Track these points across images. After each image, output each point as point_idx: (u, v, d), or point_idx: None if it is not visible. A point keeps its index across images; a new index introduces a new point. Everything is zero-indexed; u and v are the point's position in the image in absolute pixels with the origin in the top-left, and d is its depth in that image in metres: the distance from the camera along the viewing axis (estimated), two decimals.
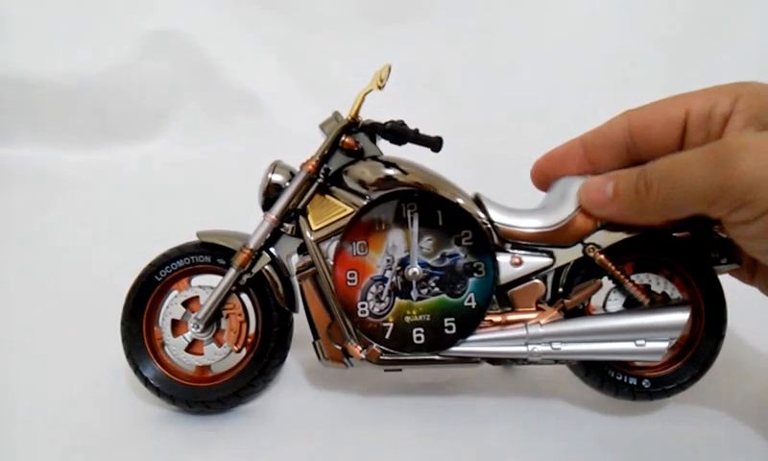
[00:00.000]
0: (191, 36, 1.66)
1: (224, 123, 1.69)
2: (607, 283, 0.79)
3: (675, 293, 0.78)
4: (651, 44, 1.60)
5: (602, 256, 0.76)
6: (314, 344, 0.81)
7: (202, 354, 0.82)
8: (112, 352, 0.83)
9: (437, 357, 0.78)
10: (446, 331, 0.79)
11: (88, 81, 1.65)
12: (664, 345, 0.74)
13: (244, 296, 0.84)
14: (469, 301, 0.79)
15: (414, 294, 0.80)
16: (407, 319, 0.80)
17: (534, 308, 0.78)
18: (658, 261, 0.78)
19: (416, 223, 0.80)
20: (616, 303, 0.78)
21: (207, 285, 0.83)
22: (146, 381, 0.81)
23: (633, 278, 0.77)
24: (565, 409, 0.82)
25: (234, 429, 0.80)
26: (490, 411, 0.82)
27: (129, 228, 1.35)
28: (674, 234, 0.77)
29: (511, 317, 0.78)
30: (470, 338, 0.78)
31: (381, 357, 0.79)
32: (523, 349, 0.76)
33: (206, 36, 1.67)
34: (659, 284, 0.78)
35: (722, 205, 0.63)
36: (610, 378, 0.78)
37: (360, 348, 0.79)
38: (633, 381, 0.78)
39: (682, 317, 0.74)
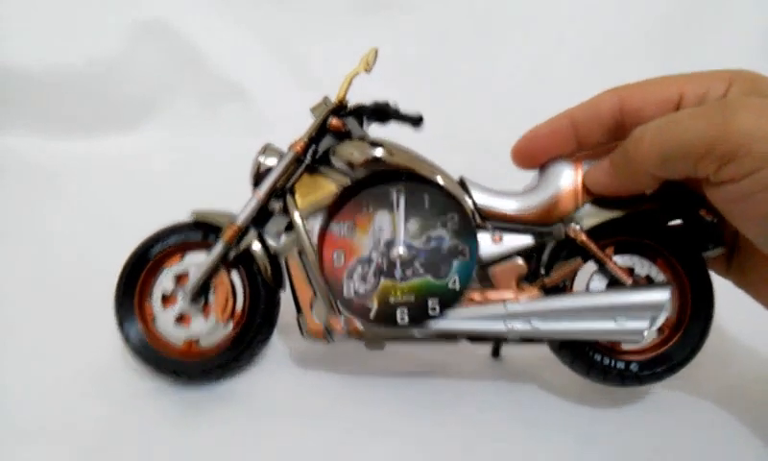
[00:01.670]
0: (179, 25, 1.68)
1: (213, 112, 1.70)
2: (591, 267, 0.79)
3: (659, 276, 0.77)
4: (642, 28, 1.59)
5: (584, 237, 0.76)
6: (297, 319, 0.83)
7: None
8: (103, 339, 0.84)
9: (416, 334, 0.79)
10: (430, 312, 0.79)
11: (75, 71, 1.65)
12: (645, 324, 0.73)
13: (233, 273, 0.86)
14: (453, 283, 0.79)
15: (398, 274, 0.80)
16: (391, 299, 0.80)
17: (514, 287, 0.78)
18: (641, 244, 0.78)
19: (402, 204, 0.81)
20: (599, 284, 0.78)
21: (199, 262, 0.84)
22: (136, 350, 0.83)
23: (616, 259, 0.77)
24: (553, 396, 0.82)
25: (220, 408, 0.81)
26: (476, 397, 0.82)
27: (118, 217, 1.32)
28: (663, 222, 0.77)
29: (490, 295, 0.78)
30: (450, 315, 0.78)
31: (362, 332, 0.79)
32: (502, 326, 0.76)
33: (195, 25, 1.69)
34: (643, 267, 0.77)
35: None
36: (596, 364, 0.77)
37: (342, 323, 0.80)
38: (620, 365, 0.77)
39: (662, 296, 0.73)
